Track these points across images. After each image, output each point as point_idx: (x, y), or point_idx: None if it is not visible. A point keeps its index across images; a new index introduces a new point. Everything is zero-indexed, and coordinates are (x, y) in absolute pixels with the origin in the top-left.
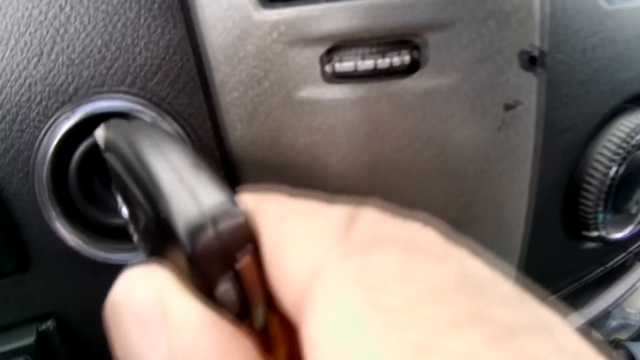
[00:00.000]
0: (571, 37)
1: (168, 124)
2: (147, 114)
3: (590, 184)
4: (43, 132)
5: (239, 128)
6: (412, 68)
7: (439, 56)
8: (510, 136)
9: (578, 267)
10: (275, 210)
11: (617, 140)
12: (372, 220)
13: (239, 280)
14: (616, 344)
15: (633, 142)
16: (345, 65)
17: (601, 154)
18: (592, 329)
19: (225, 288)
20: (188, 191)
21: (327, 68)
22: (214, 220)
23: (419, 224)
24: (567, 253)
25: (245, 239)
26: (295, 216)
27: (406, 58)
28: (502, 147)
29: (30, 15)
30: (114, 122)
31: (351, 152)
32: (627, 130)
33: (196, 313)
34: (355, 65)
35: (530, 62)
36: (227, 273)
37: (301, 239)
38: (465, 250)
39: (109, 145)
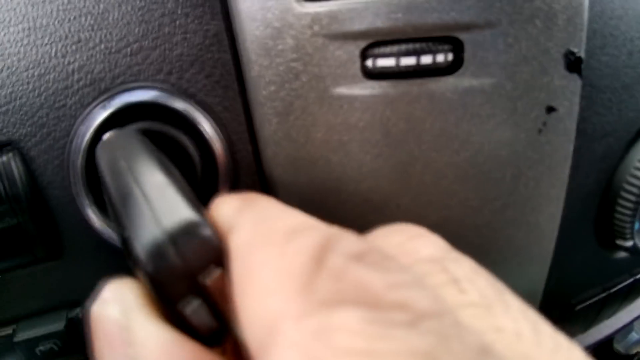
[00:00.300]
0: (618, 39)
1: (201, 117)
2: (182, 105)
3: (629, 191)
4: (79, 120)
5: (273, 122)
6: (454, 66)
7: (482, 54)
8: (551, 140)
9: (607, 277)
10: (248, 230)
11: None
12: (345, 258)
13: (208, 300)
14: (638, 359)
15: None
16: (386, 61)
17: None
18: (613, 341)
19: (193, 307)
20: (151, 210)
21: (368, 63)
22: (174, 239)
23: (410, 252)
24: (598, 262)
25: (213, 258)
26: (266, 243)
27: (449, 56)
28: (541, 151)
29: (69, 2)
30: (110, 134)
31: (386, 150)
32: None
33: (158, 335)
34: (397, 62)
35: (576, 63)
36: (194, 292)
37: (265, 281)
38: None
39: (96, 162)
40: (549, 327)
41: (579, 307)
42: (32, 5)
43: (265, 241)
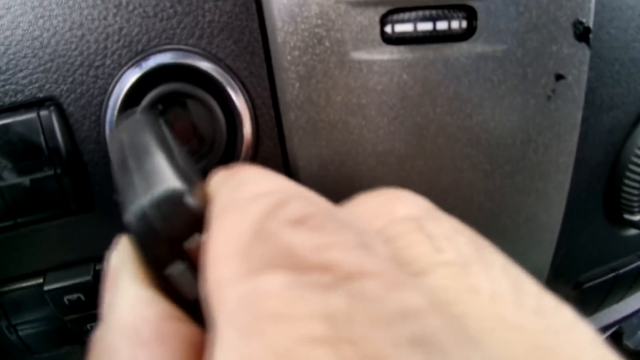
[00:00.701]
0: (626, 13)
1: (229, 82)
2: (211, 70)
3: (638, 164)
4: (115, 79)
5: (296, 87)
6: (468, 33)
7: (494, 22)
8: (559, 106)
9: (616, 256)
10: (223, 198)
11: None
12: (283, 222)
13: (194, 267)
14: None
15: None
16: (404, 27)
17: None
18: (622, 337)
19: (178, 271)
20: (143, 179)
21: (387, 29)
22: (160, 206)
23: (386, 213)
24: (606, 238)
25: (197, 226)
26: (229, 210)
27: (463, 23)
28: (550, 117)
29: None
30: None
31: (402, 113)
32: None
33: (134, 291)
34: (414, 27)
35: (584, 33)
36: (181, 259)
37: (217, 247)
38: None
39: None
40: (535, 286)
41: (586, 285)
42: None
43: (229, 208)
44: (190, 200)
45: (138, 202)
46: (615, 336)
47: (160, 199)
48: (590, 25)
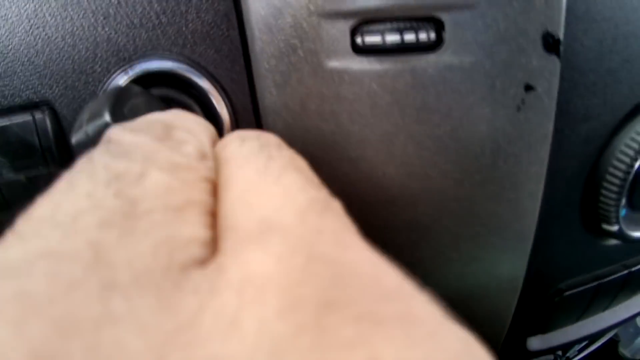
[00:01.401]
0: (601, 24)
1: (211, 88)
2: (193, 76)
3: (614, 175)
4: (104, 84)
5: (274, 93)
6: (436, 44)
7: (462, 34)
8: (530, 117)
9: (597, 265)
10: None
11: None
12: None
13: None
14: None
15: None
16: (373, 38)
17: (628, 145)
18: (618, 344)
19: None
20: (88, 116)
21: (357, 40)
22: (92, 132)
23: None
24: (585, 247)
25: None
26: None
27: (431, 34)
28: (520, 128)
29: None
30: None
31: (373, 121)
32: None
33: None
34: (383, 39)
35: (554, 45)
36: None
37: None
38: None
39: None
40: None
41: (568, 292)
42: None
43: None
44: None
45: (78, 129)
46: (611, 344)
47: (95, 128)
48: (561, 37)
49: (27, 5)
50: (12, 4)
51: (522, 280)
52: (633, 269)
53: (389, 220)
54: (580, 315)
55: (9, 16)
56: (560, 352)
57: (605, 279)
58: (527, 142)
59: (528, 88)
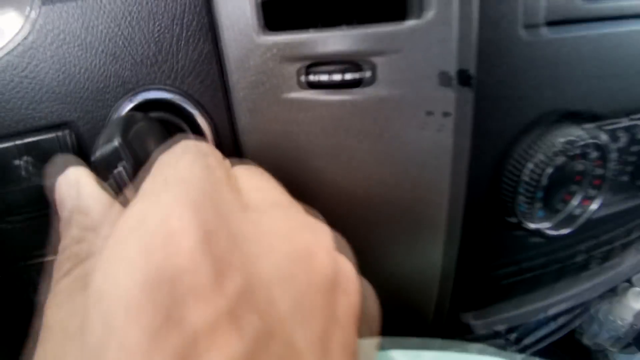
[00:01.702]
0: (496, 62)
1: (197, 112)
2: (183, 103)
3: (509, 178)
4: (112, 110)
5: (247, 116)
6: (371, 80)
7: (392, 72)
8: (449, 137)
9: (518, 255)
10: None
11: (541, 147)
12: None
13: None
14: (604, 355)
15: (554, 149)
16: (322, 76)
17: (522, 156)
18: (582, 335)
19: (112, 180)
20: (105, 138)
21: (310, 77)
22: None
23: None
24: (501, 237)
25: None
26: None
27: (367, 73)
28: (442, 145)
29: (109, 27)
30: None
31: (323, 140)
32: (553, 139)
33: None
34: (329, 77)
35: (467, 79)
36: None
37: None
38: None
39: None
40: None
41: (504, 282)
42: (85, 29)
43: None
44: (117, 146)
45: (97, 150)
46: (573, 334)
47: (104, 148)
48: (473, 72)
49: (57, 50)
50: (45, 49)
51: (454, 268)
52: (559, 261)
53: (340, 216)
54: (521, 303)
55: (36, 56)
56: (509, 336)
57: (540, 271)
58: (449, 156)
59: (446, 114)
